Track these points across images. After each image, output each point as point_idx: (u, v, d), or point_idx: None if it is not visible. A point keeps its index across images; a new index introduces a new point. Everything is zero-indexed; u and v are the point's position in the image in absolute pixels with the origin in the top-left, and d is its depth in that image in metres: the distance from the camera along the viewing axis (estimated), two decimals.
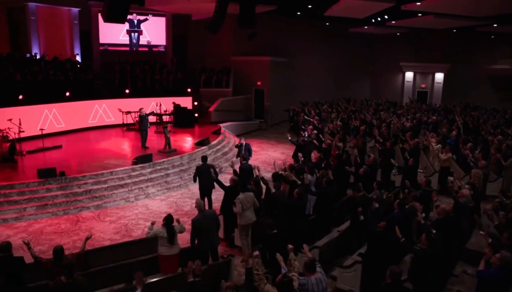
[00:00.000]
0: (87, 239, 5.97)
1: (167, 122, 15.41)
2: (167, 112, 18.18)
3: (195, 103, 20.32)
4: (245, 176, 9.61)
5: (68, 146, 14.39)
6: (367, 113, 19.40)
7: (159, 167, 12.48)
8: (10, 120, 12.82)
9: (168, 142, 13.82)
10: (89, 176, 11.09)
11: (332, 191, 8.24)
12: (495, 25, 18.68)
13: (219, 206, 10.39)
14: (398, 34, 25.19)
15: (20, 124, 13.04)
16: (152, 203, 10.94)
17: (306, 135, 14.26)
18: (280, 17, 21.97)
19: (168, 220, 6.26)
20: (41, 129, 14.10)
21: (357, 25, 23.17)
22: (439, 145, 12.56)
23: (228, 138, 17.15)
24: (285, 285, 4.57)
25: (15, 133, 12.90)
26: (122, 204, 10.74)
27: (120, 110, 17.92)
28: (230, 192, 8.01)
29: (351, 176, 10.97)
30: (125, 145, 15.21)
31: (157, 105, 18.26)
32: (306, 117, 19.21)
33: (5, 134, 12.47)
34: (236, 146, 12.90)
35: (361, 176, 9.51)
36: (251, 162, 12.81)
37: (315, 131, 14.39)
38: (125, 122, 18.09)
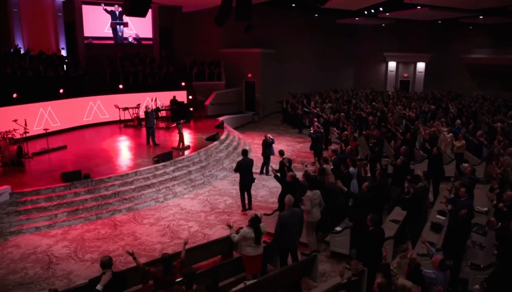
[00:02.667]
0: (185, 243, 5.73)
1: (179, 118, 14.97)
2: (163, 107, 17.69)
3: (190, 97, 19.89)
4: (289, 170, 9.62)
5: (72, 146, 13.67)
6: (362, 104, 19.77)
7: (180, 165, 12.15)
8: (15, 121, 12.01)
9: (181, 139, 13.48)
10: (114, 178, 10.61)
11: (386, 182, 8.39)
12: (481, 16, 19.48)
13: (253, 202, 10.36)
14: (383, 25, 25.77)
15: (25, 125, 12.27)
16: (184, 202, 10.63)
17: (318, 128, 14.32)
18: (269, 9, 21.77)
19: (255, 220, 6.12)
20: (45, 129, 13.32)
21: (347, 17, 23.35)
22: (451, 134, 13.06)
23: (232, 133, 16.95)
24: (414, 270, 4.74)
25: (20, 135, 12.10)
26: (153, 205, 10.37)
27: (116, 107, 17.23)
28: (289, 188, 7.95)
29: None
30: (130, 143, 14.64)
31: (152, 100, 17.71)
32: (305, 109, 19.35)
33: (11, 135, 11.66)
34: (268, 143, 12.78)
35: (398, 167, 9.75)
36: (252, 157, 12.91)
37: (317, 125, 14.40)
38: (121, 119, 17.47)
